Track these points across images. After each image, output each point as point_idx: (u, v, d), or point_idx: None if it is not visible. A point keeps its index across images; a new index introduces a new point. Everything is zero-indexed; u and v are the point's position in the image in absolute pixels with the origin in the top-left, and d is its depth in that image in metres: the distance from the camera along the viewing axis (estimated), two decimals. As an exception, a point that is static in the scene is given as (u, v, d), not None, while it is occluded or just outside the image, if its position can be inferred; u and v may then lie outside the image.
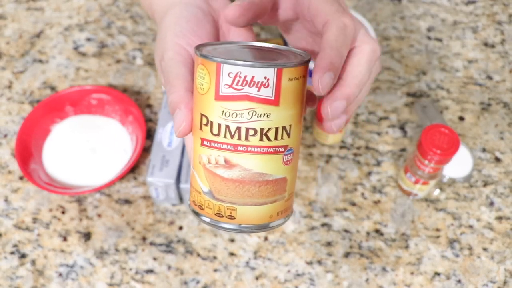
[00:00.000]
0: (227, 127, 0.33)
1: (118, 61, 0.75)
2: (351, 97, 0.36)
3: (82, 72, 0.74)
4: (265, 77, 0.32)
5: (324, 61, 0.33)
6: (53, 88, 0.73)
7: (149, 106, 0.71)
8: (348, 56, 0.37)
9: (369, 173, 0.66)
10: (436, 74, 0.74)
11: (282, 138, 0.34)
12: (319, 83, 0.33)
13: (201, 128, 0.34)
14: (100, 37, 0.78)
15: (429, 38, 0.78)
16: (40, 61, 0.75)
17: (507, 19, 0.81)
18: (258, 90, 0.32)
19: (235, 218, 0.35)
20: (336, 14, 0.35)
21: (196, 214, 0.37)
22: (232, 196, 0.34)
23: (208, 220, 0.36)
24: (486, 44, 0.78)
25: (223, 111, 0.33)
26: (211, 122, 0.34)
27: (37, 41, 0.77)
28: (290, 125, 0.34)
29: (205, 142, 0.34)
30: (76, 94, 0.68)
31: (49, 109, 0.67)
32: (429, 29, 0.79)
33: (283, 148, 0.34)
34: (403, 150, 0.68)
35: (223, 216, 0.35)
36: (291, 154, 0.35)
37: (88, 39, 0.78)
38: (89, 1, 0.82)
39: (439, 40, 0.78)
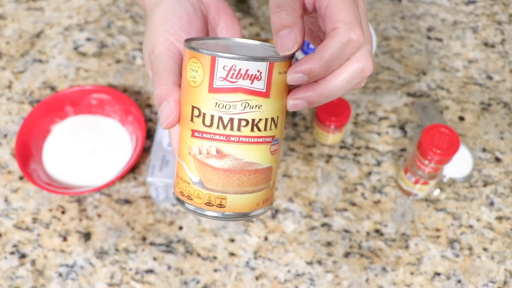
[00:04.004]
0: (220, 118, 0.35)
1: (118, 61, 0.75)
2: (312, 101, 0.36)
3: (82, 72, 0.74)
4: (258, 70, 0.34)
5: (307, 65, 0.34)
6: (53, 88, 0.73)
7: (149, 106, 0.71)
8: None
9: (369, 173, 0.66)
10: (436, 74, 0.74)
11: (270, 129, 0.36)
12: (290, 76, 0.34)
13: (192, 120, 0.36)
14: (100, 37, 0.78)
15: (429, 38, 0.78)
16: (40, 61, 0.75)
17: (507, 19, 0.81)
18: (251, 83, 0.34)
19: (224, 207, 0.37)
20: (348, 25, 0.33)
21: (181, 202, 0.38)
22: (223, 185, 0.36)
23: (192, 208, 0.37)
24: (486, 44, 0.78)
25: (216, 103, 0.34)
26: (204, 114, 0.35)
27: (37, 41, 0.77)
28: (277, 116, 0.36)
29: (196, 134, 0.36)
30: (76, 94, 0.68)
31: (49, 109, 0.67)
32: (429, 29, 0.79)
33: (270, 139, 0.36)
34: (403, 150, 0.68)
35: (213, 205, 0.37)
36: (277, 144, 0.37)
37: (88, 39, 0.78)
38: (89, 1, 0.82)
39: (439, 40, 0.78)
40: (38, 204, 0.63)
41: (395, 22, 0.79)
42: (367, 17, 0.38)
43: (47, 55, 0.76)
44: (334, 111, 0.63)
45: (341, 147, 0.68)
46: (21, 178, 0.65)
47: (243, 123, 0.35)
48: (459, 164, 0.65)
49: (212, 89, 0.34)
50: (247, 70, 0.33)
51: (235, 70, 0.33)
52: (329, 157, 0.67)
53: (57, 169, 0.65)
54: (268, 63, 0.34)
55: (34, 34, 0.78)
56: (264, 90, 0.34)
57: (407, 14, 0.80)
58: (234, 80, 0.34)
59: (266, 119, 0.35)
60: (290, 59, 0.36)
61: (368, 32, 0.36)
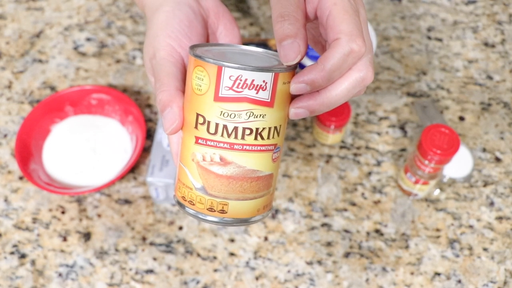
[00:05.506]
0: (225, 126, 0.35)
1: (118, 61, 0.75)
2: (314, 109, 0.36)
3: (82, 72, 0.74)
4: (263, 81, 0.34)
5: (310, 75, 0.34)
6: (53, 88, 0.73)
7: (149, 106, 0.71)
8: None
9: (369, 173, 0.66)
10: (436, 74, 0.74)
11: (273, 137, 0.36)
12: (294, 86, 0.35)
13: (196, 127, 0.36)
14: (100, 37, 0.78)
15: (429, 38, 0.78)
16: (40, 61, 0.75)
17: (507, 19, 0.81)
18: (257, 93, 0.34)
19: (226, 212, 0.37)
20: (349, 36, 0.34)
21: (182, 206, 0.38)
22: (225, 191, 0.36)
23: (193, 212, 0.38)
24: (486, 44, 0.78)
25: (221, 111, 0.35)
26: (209, 122, 0.35)
27: (37, 41, 0.77)
28: (280, 125, 0.36)
29: (200, 141, 0.36)
30: (76, 94, 0.68)
31: (49, 109, 0.67)
32: (429, 29, 0.79)
33: (273, 147, 0.37)
34: (403, 150, 0.68)
35: (215, 211, 0.37)
36: (279, 152, 0.38)
37: (88, 39, 0.78)
38: (89, 1, 0.82)
39: (439, 40, 0.78)
40: (38, 204, 0.63)
41: (395, 22, 0.79)
42: (368, 25, 0.38)
43: (47, 55, 0.76)
44: (334, 111, 0.63)
45: (341, 147, 0.68)
46: (21, 178, 0.65)
47: (247, 131, 0.35)
48: (459, 164, 0.65)
49: (217, 98, 0.34)
50: (253, 80, 0.34)
51: (241, 80, 0.34)
52: (329, 157, 0.67)
53: (57, 169, 0.65)
54: (273, 73, 0.34)
55: (34, 34, 0.78)
56: (269, 100, 0.35)
57: (407, 14, 0.80)
58: (240, 89, 0.34)
59: (270, 128, 0.36)
60: (294, 69, 0.36)
61: (369, 41, 0.37)
